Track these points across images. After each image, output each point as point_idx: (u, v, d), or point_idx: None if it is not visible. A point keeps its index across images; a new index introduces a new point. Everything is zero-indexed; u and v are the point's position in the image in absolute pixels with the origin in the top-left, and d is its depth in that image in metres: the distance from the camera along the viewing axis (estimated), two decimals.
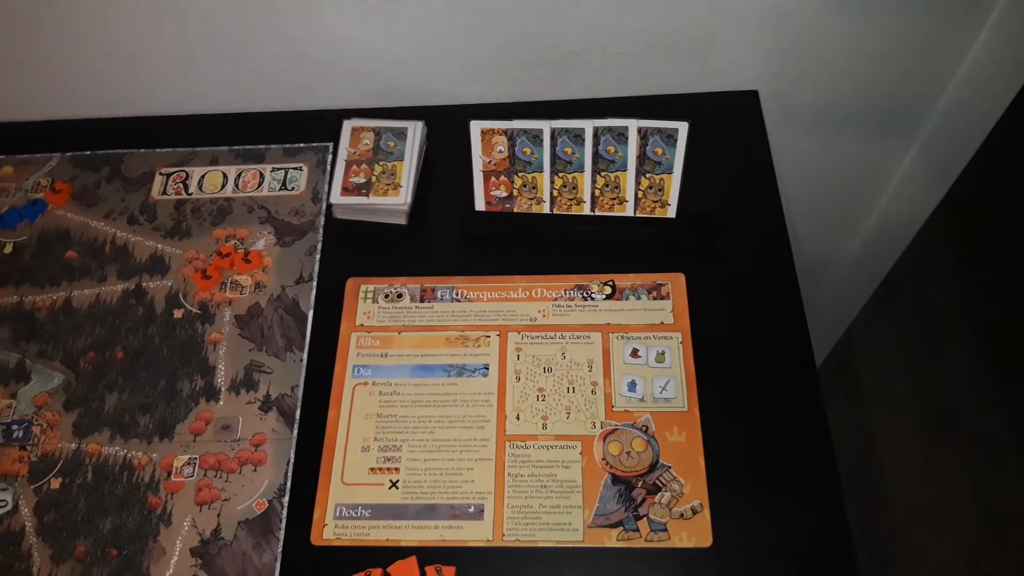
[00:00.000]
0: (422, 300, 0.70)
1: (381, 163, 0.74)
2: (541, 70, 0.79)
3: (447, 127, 0.78)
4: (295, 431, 0.65)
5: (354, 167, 0.74)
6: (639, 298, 0.69)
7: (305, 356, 0.68)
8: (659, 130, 0.67)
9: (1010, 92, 0.83)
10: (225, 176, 0.78)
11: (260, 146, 0.80)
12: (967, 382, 1.45)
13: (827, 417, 0.65)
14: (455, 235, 0.74)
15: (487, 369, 0.66)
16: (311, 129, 0.81)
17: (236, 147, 0.80)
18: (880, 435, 1.58)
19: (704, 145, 0.71)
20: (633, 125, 0.67)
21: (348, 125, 0.76)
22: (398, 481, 0.62)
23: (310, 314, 0.70)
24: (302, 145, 0.80)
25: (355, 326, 0.69)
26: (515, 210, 0.73)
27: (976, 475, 1.49)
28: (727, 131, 0.78)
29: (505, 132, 0.68)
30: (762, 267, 0.71)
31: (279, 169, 0.78)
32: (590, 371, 0.66)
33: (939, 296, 1.48)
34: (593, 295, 0.69)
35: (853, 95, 0.84)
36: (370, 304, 0.70)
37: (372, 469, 0.62)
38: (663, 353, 0.66)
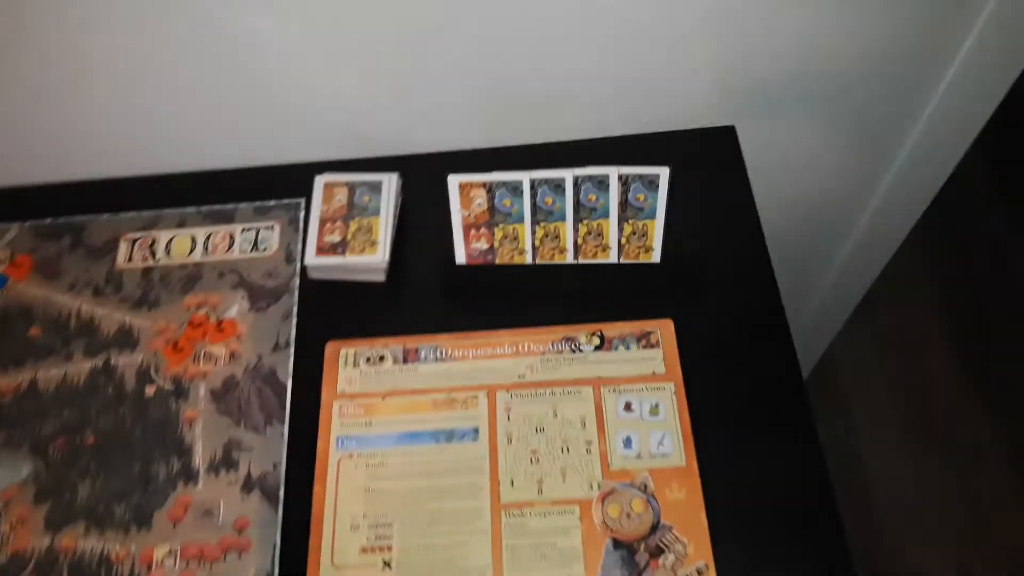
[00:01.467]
0: (405, 361, 0.68)
1: (356, 219, 0.72)
2: (518, 115, 0.77)
3: (423, 176, 0.76)
4: (280, 512, 0.62)
5: (328, 225, 0.71)
6: (628, 348, 0.67)
7: (286, 429, 0.65)
8: (640, 176, 0.65)
9: (986, 112, 0.83)
10: (194, 240, 0.75)
11: (229, 205, 0.77)
12: (949, 390, 1.47)
13: (825, 460, 0.64)
14: (436, 290, 0.72)
15: (477, 433, 0.64)
16: (281, 185, 0.78)
17: (204, 208, 0.77)
18: (866, 447, 1.58)
19: (684, 184, 0.69)
20: (613, 172, 0.65)
21: (320, 181, 0.74)
22: (391, 560, 0.59)
23: (289, 383, 0.67)
24: (273, 202, 0.77)
25: (337, 393, 0.67)
26: (497, 262, 0.70)
27: (963, 480, 1.50)
28: (706, 169, 0.76)
29: (484, 185, 0.66)
30: (750, 306, 0.70)
31: (250, 229, 0.75)
32: (583, 429, 0.64)
33: (917, 310, 1.49)
34: (582, 347, 0.67)
35: (828, 122, 0.84)
36: (351, 369, 0.68)
37: (363, 549, 0.60)
38: (657, 406, 0.64)
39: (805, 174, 0.90)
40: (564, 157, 0.77)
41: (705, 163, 0.77)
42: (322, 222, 0.72)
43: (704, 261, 0.72)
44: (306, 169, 0.77)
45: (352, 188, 0.73)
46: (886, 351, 1.59)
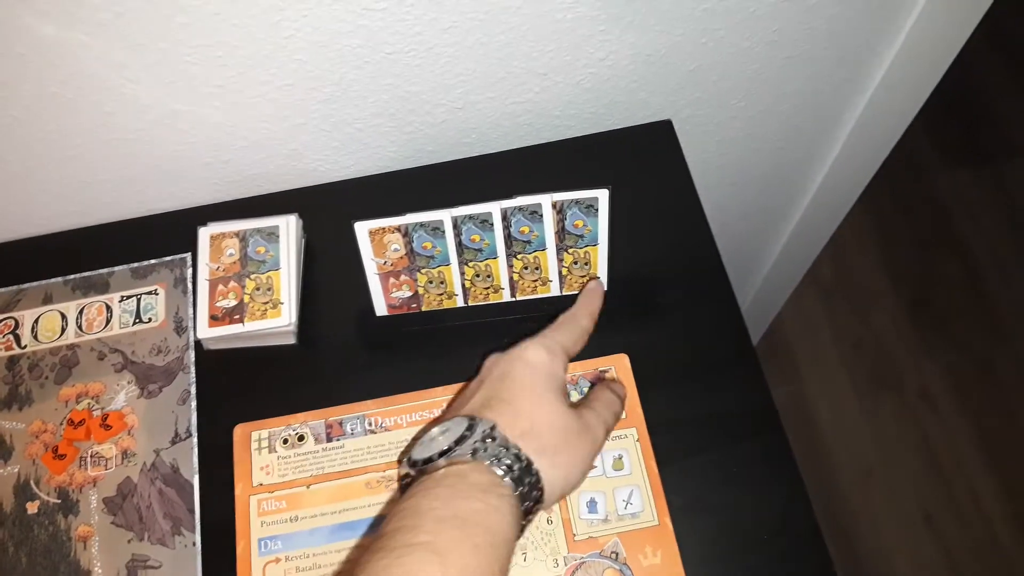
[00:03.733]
0: (329, 439, 0.59)
1: (253, 277, 0.61)
2: (426, 132, 0.67)
3: (326, 212, 0.66)
4: None
5: (220, 287, 0.61)
6: (582, 392, 0.60)
7: (198, 538, 0.56)
8: (576, 201, 0.57)
9: (929, 84, 0.77)
10: (64, 316, 0.64)
11: (101, 270, 0.66)
12: (895, 342, 1.47)
13: (809, 499, 0.58)
14: (356, 348, 0.63)
15: None
16: (160, 239, 0.67)
17: (71, 276, 0.65)
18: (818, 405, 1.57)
19: (624, 190, 0.61)
20: (546, 200, 0.56)
21: (205, 233, 0.63)
22: None
23: (195, 481, 0.58)
24: (153, 261, 0.66)
25: (253, 487, 0.57)
26: (423, 308, 0.62)
27: (918, 429, 1.50)
28: (645, 169, 0.69)
29: (398, 228, 0.57)
30: (707, 324, 0.63)
31: (129, 297, 0.64)
32: None
33: (862, 269, 1.48)
34: None
35: (766, 99, 0.76)
36: (267, 455, 0.58)
37: None
38: (620, 458, 0.57)
39: (745, 160, 0.83)
40: (487, 172, 0.68)
41: (643, 163, 0.69)
42: (212, 284, 0.61)
43: (654, 280, 0.64)
44: (187, 216, 0.66)
45: (244, 238, 0.63)
46: (833, 310, 1.57)
